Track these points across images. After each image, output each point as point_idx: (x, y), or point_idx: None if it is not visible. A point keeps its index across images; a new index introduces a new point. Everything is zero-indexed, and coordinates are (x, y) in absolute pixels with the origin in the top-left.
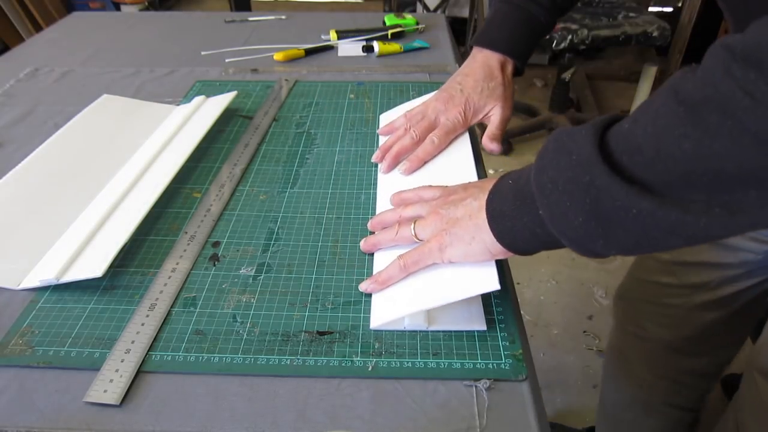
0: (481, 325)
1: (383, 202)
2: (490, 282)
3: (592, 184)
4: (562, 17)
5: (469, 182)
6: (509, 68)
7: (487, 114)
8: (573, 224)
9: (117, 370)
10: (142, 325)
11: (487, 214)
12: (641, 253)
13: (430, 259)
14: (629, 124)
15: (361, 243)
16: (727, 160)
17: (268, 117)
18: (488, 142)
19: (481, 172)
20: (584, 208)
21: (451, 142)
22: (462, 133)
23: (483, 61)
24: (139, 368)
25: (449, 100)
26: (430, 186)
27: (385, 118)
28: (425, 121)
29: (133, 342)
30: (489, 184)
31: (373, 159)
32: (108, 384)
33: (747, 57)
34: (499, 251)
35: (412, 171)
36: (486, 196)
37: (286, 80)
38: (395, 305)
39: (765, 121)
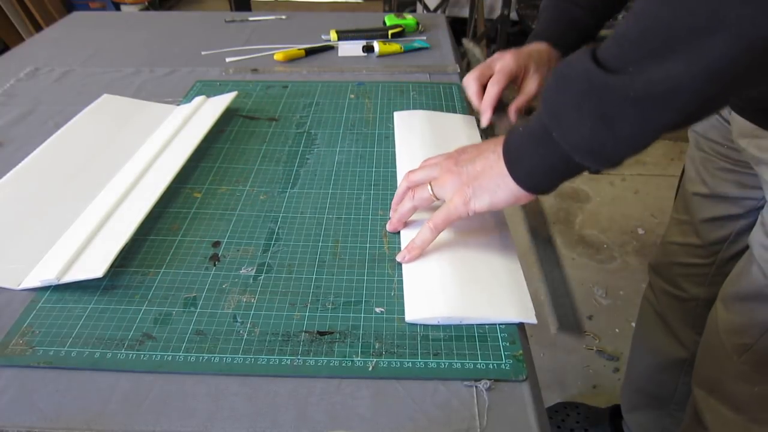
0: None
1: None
2: (528, 313)
3: (592, 88)
4: (607, 20)
5: (472, 144)
6: (554, 57)
7: (528, 74)
8: (584, 134)
9: None
10: None
11: (505, 161)
12: (648, 142)
13: (456, 214)
14: (615, 30)
15: (387, 226)
16: (698, 13)
17: None
18: (512, 112)
19: None
20: (589, 112)
21: (462, 140)
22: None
23: (536, 46)
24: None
25: (505, 52)
26: (431, 157)
27: (399, 117)
28: (482, 68)
29: None
30: (500, 139)
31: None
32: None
33: None
34: (523, 195)
35: (489, 119)
36: (502, 147)
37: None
38: (431, 305)
39: None
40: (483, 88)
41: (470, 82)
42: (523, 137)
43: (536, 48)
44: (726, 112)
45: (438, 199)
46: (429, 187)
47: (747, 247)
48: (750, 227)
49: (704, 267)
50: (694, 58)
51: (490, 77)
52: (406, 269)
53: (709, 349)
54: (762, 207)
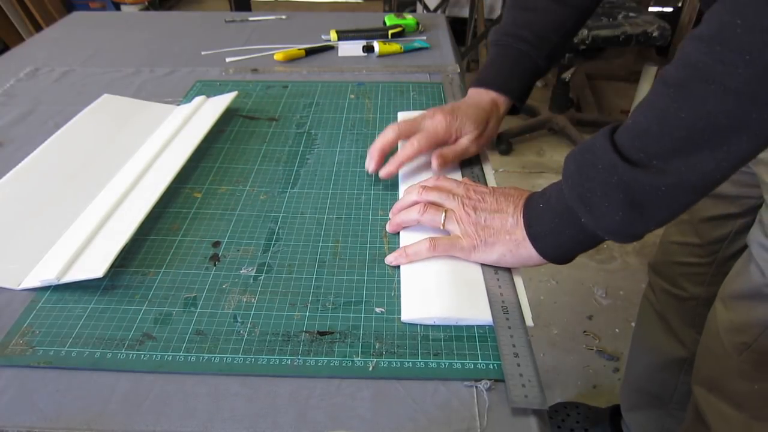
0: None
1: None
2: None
3: (621, 182)
4: (557, 61)
5: (495, 188)
6: (502, 104)
7: (462, 135)
8: (615, 219)
9: None
10: None
11: (529, 237)
12: (674, 218)
13: (458, 254)
14: (631, 120)
15: (387, 226)
16: (719, 114)
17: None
18: (435, 158)
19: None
20: (621, 203)
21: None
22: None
23: (478, 95)
24: None
25: (440, 109)
26: (446, 177)
27: (403, 117)
28: (410, 123)
29: None
30: (519, 200)
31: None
32: None
33: (711, 37)
34: (539, 261)
35: (389, 173)
36: (522, 217)
37: (449, 75)
38: (427, 306)
39: (738, 78)
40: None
41: (390, 130)
42: (545, 215)
43: (477, 101)
44: None
45: (444, 229)
46: (443, 216)
47: (747, 246)
48: (749, 226)
49: (704, 266)
50: (720, 155)
51: (413, 134)
52: (404, 269)
53: (708, 348)
54: (761, 205)
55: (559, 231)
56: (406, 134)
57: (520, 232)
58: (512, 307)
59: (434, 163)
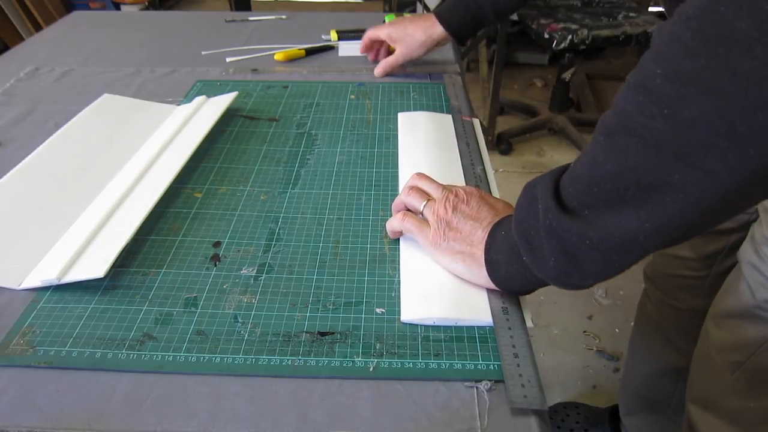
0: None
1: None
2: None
3: (552, 227)
4: (504, 19)
5: (487, 196)
6: (440, 38)
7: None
8: (549, 265)
9: None
10: None
11: (485, 260)
12: (613, 276)
13: (420, 240)
14: (573, 164)
15: (388, 232)
16: (640, 170)
17: (464, 111)
18: (379, 68)
19: (481, 167)
20: (554, 249)
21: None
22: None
23: (431, 22)
24: None
25: (410, 23)
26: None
27: (403, 118)
28: (400, 31)
29: None
30: (496, 217)
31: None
32: None
33: (638, 85)
34: (488, 285)
35: (381, 73)
36: (487, 236)
37: (452, 76)
38: (427, 306)
39: (656, 133)
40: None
41: (383, 33)
42: (502, 244)
43: (423, 27)
44: None
45: (422, 215)
46: (424, 202)
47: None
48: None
49: (699, 279)
50: (643, 214)
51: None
52: (404, 270)
53: (701, 366)
54: (755, 220)
55: (508, 263)
56: (394, 41)
57: (480, 249)
58: (512, 308)
59: (378, 70)
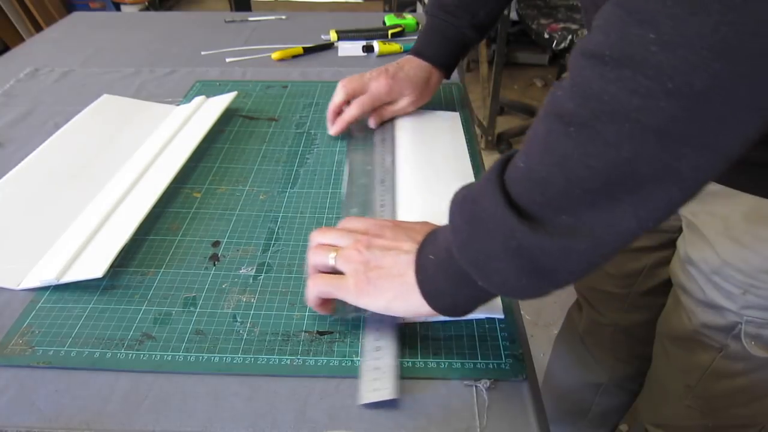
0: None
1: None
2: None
3: (521, 248)
4: (487, 33)
5: (400, 223)
6: (434, 73)
7: (400, 97)
8: (517, 286)
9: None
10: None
11: (424, 295)
12: (589, 274)
13: (343, 296)
14: (523, 162)
15: (311, 305)
16: (640, 162)
17: None
18: (372, 118)
19: (478, 165)
20: (523, 269)
21: (445, 138)
22: (456, 128)
23: (416, 62)
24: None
25: (383, 72)
26: (359, 218)
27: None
28: (357, 83)
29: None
30: (419, 236)
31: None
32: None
33: (617, 57)
34: (431, 314)
35: (337, 132)
36: (414, 261)
37: None
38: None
39: (659, 114)
40: (348, 101)
41: (339, 91)
42: (438, 273)
43: (416, 67)
44: None
45: (336, 269)
46: (332, 256)
47: (663, 281)
48: (666, 260)
49: (620, 296)
50: (643, 212)
51: (360, 94)
52: None
53: (654, 389)
54: (678, 238)
55: (455, 292)
56: (353, 95)
57: (411, 277)
58: None
59: (371, 121)
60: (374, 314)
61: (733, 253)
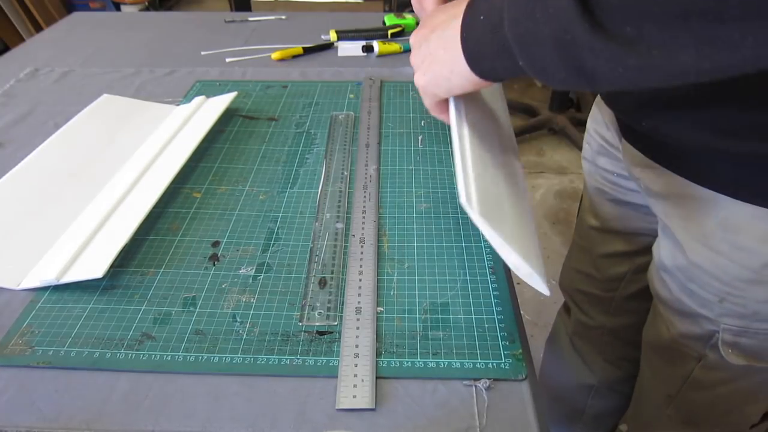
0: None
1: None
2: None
3: (572, 43)
4: None
5: (442, 7)
6: None
7: None
8: (557, 77)
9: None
10: (357, 329)
11: (464, 53)
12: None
13: (423, 94)
14: None
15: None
16: None
17: (374, 115)
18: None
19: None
20: (566, 65)
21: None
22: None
23: None
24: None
25: None
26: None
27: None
28: None
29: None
30: (458, 9)
31: None
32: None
33: None
34: (478, 83)
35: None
36: (460, 27)
37: (371, 79)
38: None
39: None
40: None
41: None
42: (485, 40)
43: None
44: (616, 139)
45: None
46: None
47: (646, 286)
48: (646, 267)
49: (605, 299)
50: (706, 49)
51: None
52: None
53: (639, 398)
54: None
55: (496, 58)
56: None
57: (458, 48)
58: (366, 307)
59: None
60: None
61: (710, 261)
